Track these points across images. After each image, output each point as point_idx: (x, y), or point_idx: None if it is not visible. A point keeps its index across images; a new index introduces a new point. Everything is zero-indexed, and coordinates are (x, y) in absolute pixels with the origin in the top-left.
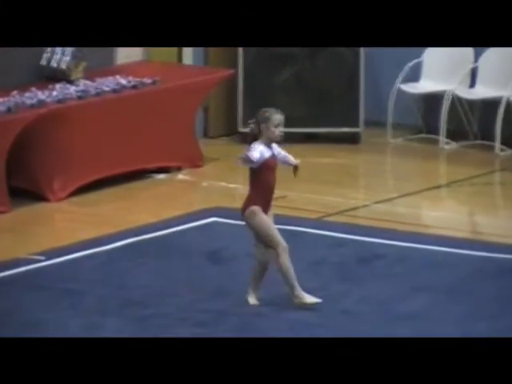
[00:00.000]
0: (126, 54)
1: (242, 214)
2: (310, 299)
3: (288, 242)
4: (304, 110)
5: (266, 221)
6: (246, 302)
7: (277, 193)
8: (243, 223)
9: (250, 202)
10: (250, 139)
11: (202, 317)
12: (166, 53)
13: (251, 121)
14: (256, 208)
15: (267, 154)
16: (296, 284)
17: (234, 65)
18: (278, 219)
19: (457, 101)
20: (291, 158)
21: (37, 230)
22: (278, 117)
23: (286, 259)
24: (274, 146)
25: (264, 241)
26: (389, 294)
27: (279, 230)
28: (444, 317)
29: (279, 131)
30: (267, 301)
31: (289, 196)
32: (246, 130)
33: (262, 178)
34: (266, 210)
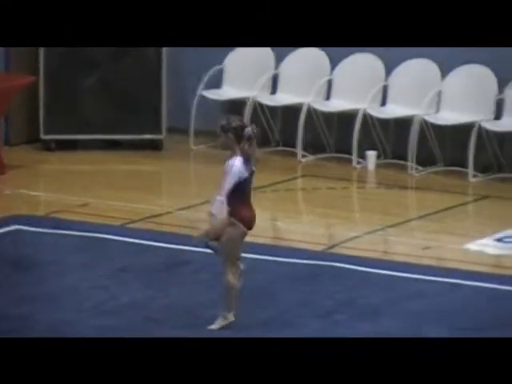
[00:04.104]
0: None
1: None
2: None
3: (92, 249)
4: (108, 116)
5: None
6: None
7: (78, 199)
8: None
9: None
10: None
11: (5, 323)
12: None
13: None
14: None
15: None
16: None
17: (37, 69)
18: (82, 226)
19: (258, 107)
20: None
21: None
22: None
23: (236, 280)
24: None
25: (224, 254)
26: (195, 300)
27: (83, 237)
28: (250, 321)
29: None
30: (74, 309)
31: (92, 203)
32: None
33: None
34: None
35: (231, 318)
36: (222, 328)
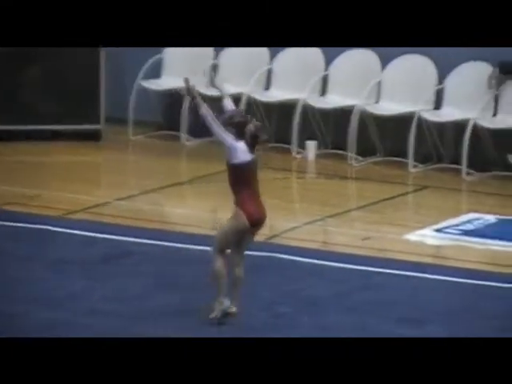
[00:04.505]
0: None
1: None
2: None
3: (32, 240)
4: (47, 107)
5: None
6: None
7: (18, 191)
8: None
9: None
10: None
11: None
12: None
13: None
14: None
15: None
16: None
17: None
18: (22, 218)
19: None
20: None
21: None
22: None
23: (222, 268)
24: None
25: (215, 240)
26: (136, 291)
27: (22, 228)
28: (192, 312)
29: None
30: (16, 301)
31: (32, 194)
32: None
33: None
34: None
35: (226, 302)
36: (223, 315)
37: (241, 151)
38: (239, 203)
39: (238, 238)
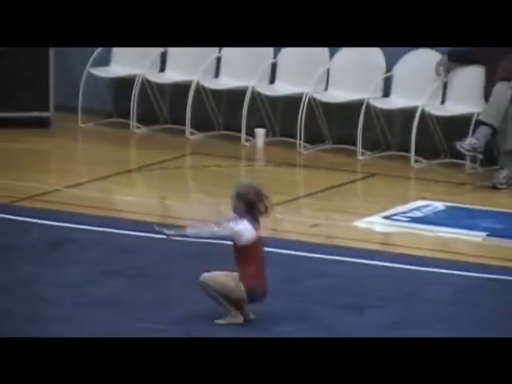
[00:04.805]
0: None
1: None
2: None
3: None
4: None
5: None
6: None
7: None
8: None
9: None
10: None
11: None
12: None
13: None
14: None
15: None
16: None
17: None
18: None
19: (147, 84)
20: None
21: None
22: None
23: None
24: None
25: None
26: (82, 278)
27: None
28: (140, 302)
29: None
30: None
31: None
32: None
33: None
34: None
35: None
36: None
37: (246, 231)
38: (243, 278)
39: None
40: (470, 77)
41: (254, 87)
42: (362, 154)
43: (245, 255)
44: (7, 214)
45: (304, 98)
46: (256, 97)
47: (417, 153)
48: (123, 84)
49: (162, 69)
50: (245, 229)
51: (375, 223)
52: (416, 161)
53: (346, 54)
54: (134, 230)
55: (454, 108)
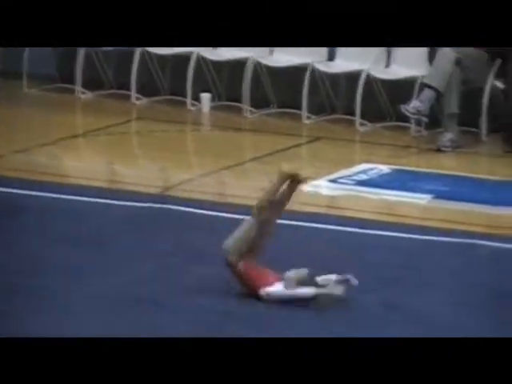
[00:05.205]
0: None
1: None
2: None
3: None
4: None
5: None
6: None
7: None
8: None
9: None
10: None
11: None
12: None
13: None
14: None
15: None
16: None
17: None
18: None
19: (91, 50)
20: None
21: None
22: None
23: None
24: None
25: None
26: (32, 245)
27: None
28: (86, 267)
29: None
30: None
31: None
32: None
33: None
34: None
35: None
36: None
37: None
38: None
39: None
40: None
41: (198, 52)
42: (308, 117)
43: None
44: None
45: (249, 62)
46: (201, 61)
47: (362, 116)
48: (68, 49)
49: None
50: None
51: (321, 187)
52: (361, 124)
53: None
54: (80, 195)
55: (398, 71)
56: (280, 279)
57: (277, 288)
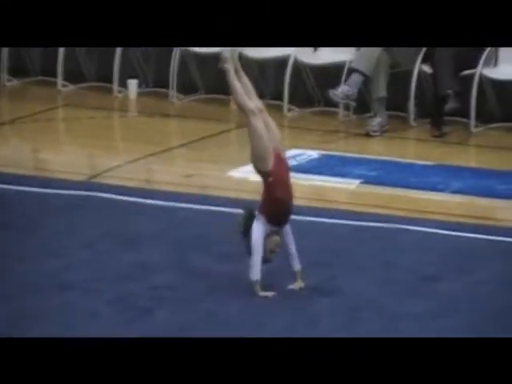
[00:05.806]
0: None
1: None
2: None
3: None
4: None
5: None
6: None
7: None
8: None
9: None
10: None
11: None
12: None
13: None
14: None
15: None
16: None
17: None
18: None
19: None
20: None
21: None
22: None
23: None
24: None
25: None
26: None
27: None
28: (21, 254)
29: None
30: None
31: None
32: None
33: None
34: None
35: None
36: None
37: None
38: None
39: None
40: None
41: None
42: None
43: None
44: None
45: (176, 48)
46: (128, 48)
47: (290, 101)
48: None
49: None
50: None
51: (250, 172)
52: (289, 109)
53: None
54: (9, 184)
55: (326, 56)
56: None
57: None
